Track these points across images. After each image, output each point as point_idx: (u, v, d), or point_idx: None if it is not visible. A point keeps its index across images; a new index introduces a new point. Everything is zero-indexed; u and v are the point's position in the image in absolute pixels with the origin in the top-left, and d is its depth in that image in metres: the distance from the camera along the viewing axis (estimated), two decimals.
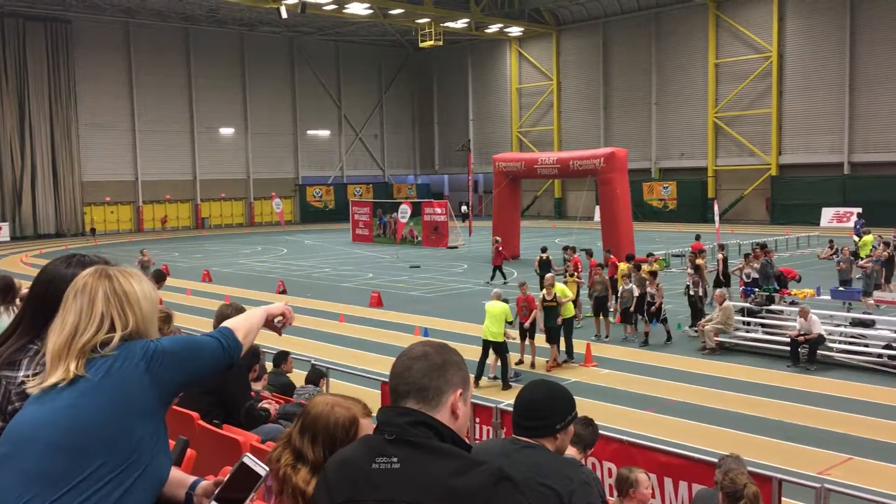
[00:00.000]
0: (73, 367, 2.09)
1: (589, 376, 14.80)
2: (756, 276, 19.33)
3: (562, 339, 15.59)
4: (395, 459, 2.05)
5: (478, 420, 9.35)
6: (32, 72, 50.96)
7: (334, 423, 2.72)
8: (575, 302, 17.44)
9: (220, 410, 4.71)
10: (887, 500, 6.71)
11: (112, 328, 2.16)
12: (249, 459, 2.28)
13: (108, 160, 55.03)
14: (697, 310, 17.87)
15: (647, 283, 17.58)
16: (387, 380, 2.33)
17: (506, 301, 14.49)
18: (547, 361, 15.47)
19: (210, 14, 55.00)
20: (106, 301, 2.19)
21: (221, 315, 5.05)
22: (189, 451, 2.96)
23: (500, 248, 27.10)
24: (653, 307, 17.25)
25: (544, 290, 15.70)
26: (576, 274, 19.23)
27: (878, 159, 45.15)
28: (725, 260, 21.70)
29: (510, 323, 14.37)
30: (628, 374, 14.90)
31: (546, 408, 2.98)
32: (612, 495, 5.83)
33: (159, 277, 15.74)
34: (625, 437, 7.85)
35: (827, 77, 46.74)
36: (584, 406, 12.22)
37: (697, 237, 25.34)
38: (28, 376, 2.37)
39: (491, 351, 14.23)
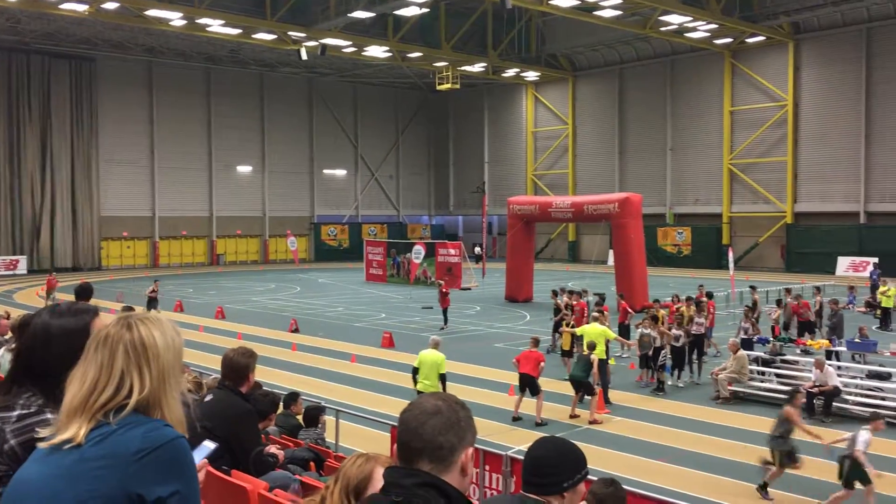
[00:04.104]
0: (82, 432, 2.05)
1: (600, 423, 14.65)
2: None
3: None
4: None
5: (487, 468, 9.27)
6: (56, 108, 51.89)
7: (353, 474, 2.90)
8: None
9: (229, 456, 4.70)
10: None
11: (130, 391, 2.10)
12: None
13: (126, 196, 55.70)
14: (680, 359, 17.90)
15: (651, 328, 17.63)
16: (397, 423, 2.32)
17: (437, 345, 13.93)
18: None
19: (231, 54, 55.96)
20: (126, 357, 2.13)
21: (229, 360, 5.05)
22: None
23: (446, 291, 27.04)
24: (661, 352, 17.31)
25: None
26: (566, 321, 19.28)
27: (894, 209, 44.96)
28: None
29: (443, 375, 13.44)
30: (640, 422, 14.75)
31: (553, 465, 2.95)
32: None
33: (82, 293, 10.51)
34: (634, 489, 7.74)
35: (843, 126, 46.82)
36: (594, 454, 12.10)
37: (700, 286, 24.79)
38: (23, 415, 2.38)
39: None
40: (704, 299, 21.84)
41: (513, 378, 16.10)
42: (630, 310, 22.35)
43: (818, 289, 25.26)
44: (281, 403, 10.25)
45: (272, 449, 5.07)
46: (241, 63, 58.27)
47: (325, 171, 66.08)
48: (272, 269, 55.07)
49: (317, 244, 64.37)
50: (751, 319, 19.58)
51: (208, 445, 2.73)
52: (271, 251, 62.40)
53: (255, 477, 4.54)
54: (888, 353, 17.58)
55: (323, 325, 27.31)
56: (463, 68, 55.31)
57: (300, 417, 9.94)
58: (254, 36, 46.73)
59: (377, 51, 51.20)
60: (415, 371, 13.64)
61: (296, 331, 25.53)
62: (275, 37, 47.05)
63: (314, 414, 9.86)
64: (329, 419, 10.77)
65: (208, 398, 4.87)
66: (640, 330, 18.17)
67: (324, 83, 64.42)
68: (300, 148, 64.54)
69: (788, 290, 24.75)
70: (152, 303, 28.03)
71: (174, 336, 2.25)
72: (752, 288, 25.66)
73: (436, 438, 2.14)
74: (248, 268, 57.11)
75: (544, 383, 15.29)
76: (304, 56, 48.21)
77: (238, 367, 5.00)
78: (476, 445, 8.54)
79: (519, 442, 12.41)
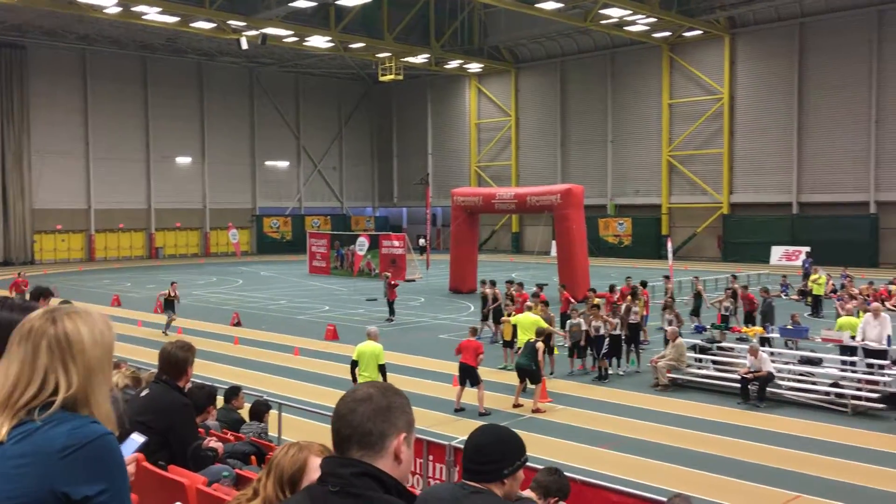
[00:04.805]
0: (4, 430, 1.97)
1: (543, 412, 14.81)
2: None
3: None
4: None
5: (431, 458, 9.29)
6: None
7: (287, 462, 2.84)
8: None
9: (165, 451, 4.61)
10: None
11: (56, 388, 2.02)
12: None
13: (60, 187, 54.09)
14: (617, 348, 18.13)
15: (592, 317, 17.87)
16: None
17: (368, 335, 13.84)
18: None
19: (169, 43, 54.73)
20: (49, 352, 2.04)
21: (167, 354, 4.96)
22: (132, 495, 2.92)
23: (394, 283, 27.08)
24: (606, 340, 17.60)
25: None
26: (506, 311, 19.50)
27: (825, 199, 46.42)
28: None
29: (382, 366, 13.40)
30: (582, 410, 14.97)
31: (494, 452, 2.98)
32: None
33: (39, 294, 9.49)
34: (576, 476, 7.86)
35: (776, 119, 48.10)
36: (538, 442, 12.24)
37: (627, 278, 25.10)
38: None
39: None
40: (640, 287, 22.34)
41: (457, 369, 16.18)
42: (572, 300, 22.63)
43: (734, 276, 26.00)
44: (222, 398, 10.13)
45: (211, 443, 5.00)
46: (179, 52, 57.06)
47: (267, 163, 65.22)
48: (213, 263, 54.20)
49: (259, 236, 63.55)
50: (674, 311, 19.96)
51: (136, 439, 2.68)
52: (212, 244, 61.39)
53: (193, 471, 4.47)
54: (819, 339, 18.14)
55: (266, 318, 27.02)
56: (406, 59, 55.11)
57: (242, 412, 9.83)
58: (192, 24, 45.75)
59: (319, 41, 50.66)
60: (354, 364, 13.55)
61: (238, 324, 25.20)
62: (214, 25, 46.14)
63: (260, 409, 9.79)
64: (272, 412, 10.66)
65: (145, 392, 4.78)
66: (570, 321, 18.50)
67: (265, 73, 63.53)
68: (241, 139, 63.55)
69: (697, 279, 25.36)
70: (170, 305, 23.94)
71: (104, 330, 2.15)
72: (666, 278, 26.10)
73: (364, 425, 2.13)
74: (189, 261, 56.10)
75: (486, 373, 15.39)
76: (244, 45, 47.41)
77: (176, 360, 4.90)
78: (420, 436, 8.48)
79: (463, 432, 12.47)
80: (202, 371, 15.64)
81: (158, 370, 4.98)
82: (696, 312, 23.36)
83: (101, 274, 45.14)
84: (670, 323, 19.20)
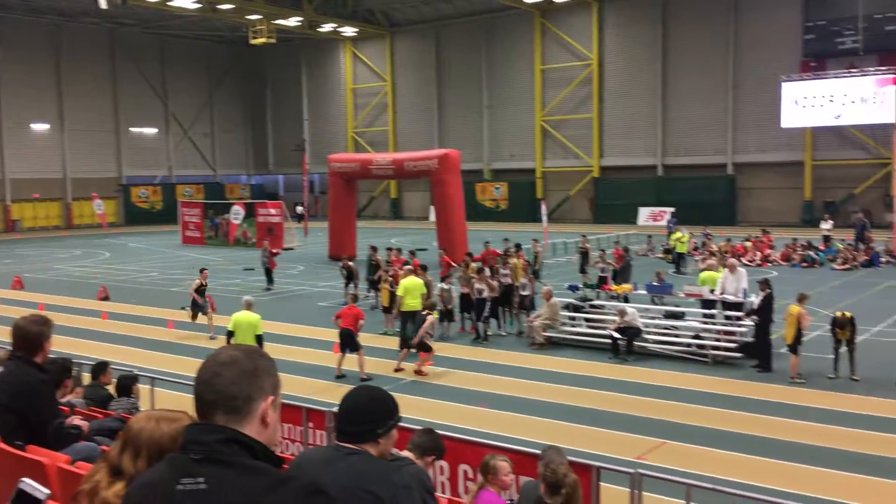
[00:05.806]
0: None
1: (425, 375, 14.99)
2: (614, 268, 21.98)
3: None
4: (201, 480, 1.98)
5: (311, 425, 9.25)
6: None
7: (160, 436, 2.67)
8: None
9: (23, 430, 4.38)
10: (695, 482, 7.26)
11: None
12: (27, 485, 2.17)
13: None
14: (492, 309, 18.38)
15: (475, 279, 18.12)
16: None
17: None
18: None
19: (22, 2, 51.00)
20: None
21: (20, 329, 4.67)
22: None
23: (274, 251, 26.88)
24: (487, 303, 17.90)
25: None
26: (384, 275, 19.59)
27: (688, 162, 48.73)
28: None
29: (259, 337, 13.02)
30: (463, 372, 15.24)
31: (368, 413, 3.00)
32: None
33: None
34: (455, 435, 8.03)
35: (642, 84, 49.89)
36: (420, 405, 12.41)
37: (486, 242, 25.23)
38: None
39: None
40: (512, 250, 22.78)
41: (337, 336, 16.10)
42: (453, 264, 22.89)
43: (584, 236, 27.02)
44: (88, 373, 9.71)
45: (75, 420, 4.78)
46: (33, 11, 53.31)
47: (133, 129, 62.21)
48: (77, 235, 51.53)
49: (127, 207, 60.78)
50: (528, 276, 20.31)
51: None
52: (75, 215, 58.25)
53: (54, 450, 4.27)
54: (682, 294, 19.11)
55: (136, 291, 25.99)
56: (278, 22, 53.60)
57: (111, 388, 9.46)
58: None
59: (185, 1, 48.48)
60: (230, 334, 13.26)
61: (106, 298, 24.15)
62: None
63: (126, 383, 9.42)
64: (144, 387, 10.32)
65: None
66: (440, 285, 18.73)
67: (127, 35, 60.26)
68: (103, 105, 60.25)
69: (535, 241, 25.88)
70: (196, 304, 19.45)
71: None
72: (510, 241, 26.69)
73: (229, 389, 2.07)
74: (50, 234, 53.10)
75: (367, 339, 15.41)
76: (103, 5, 44.69)
77: (30, 335, 4.63)
78: (300, 403, 8.43)
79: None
80: (67, 348, 14.92)
81: (13, 347, 4.70)
82: (535, 275, 23.83)
83: None
84: (524, 287, 19.58)
